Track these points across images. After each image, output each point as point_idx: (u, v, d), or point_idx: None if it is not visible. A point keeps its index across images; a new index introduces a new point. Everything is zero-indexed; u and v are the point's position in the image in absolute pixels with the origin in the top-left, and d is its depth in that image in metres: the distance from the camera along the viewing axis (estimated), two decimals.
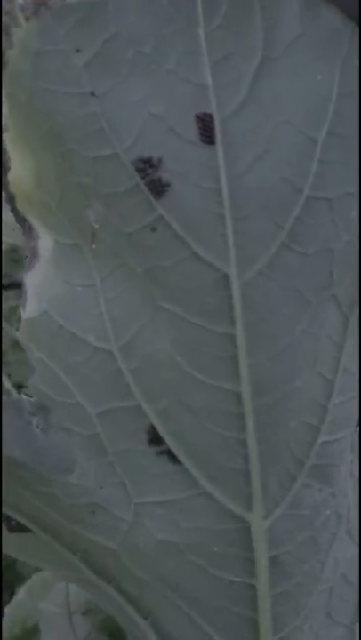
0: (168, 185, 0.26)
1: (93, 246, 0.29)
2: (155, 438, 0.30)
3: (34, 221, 0.30)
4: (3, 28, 0.28)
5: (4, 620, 0.59)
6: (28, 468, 0.30)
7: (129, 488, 0.31)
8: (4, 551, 0.37)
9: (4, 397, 0.30)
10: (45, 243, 0.30)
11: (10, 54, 0.26)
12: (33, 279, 0.31)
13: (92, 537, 0.31)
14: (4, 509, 0.35)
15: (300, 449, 0.30)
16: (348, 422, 0.31)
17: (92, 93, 0.26)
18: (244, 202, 0.26)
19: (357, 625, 0.36)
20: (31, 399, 0.33)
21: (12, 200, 0.30)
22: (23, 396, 0.33)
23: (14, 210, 0.30)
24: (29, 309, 0.31)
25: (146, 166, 0.26)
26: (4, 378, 0.82)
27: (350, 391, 0.31)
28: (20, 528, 0.36)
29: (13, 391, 0.78)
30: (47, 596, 0.56)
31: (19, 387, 0.84)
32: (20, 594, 0.61)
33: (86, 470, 0.31)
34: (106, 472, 0.31)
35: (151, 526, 0.31)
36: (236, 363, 0.28)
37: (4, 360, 0.82)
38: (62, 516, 0.31)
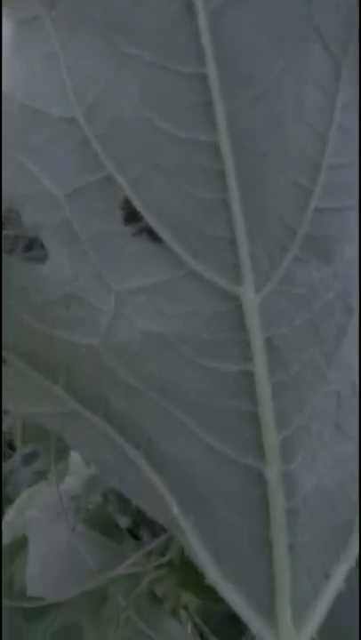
0: None
1: (53, 13, 0.28)
2: (130, 214, 0.29)
3: None
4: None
5: None
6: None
7: (106, 276, 0.30)
8: None
9: None
10: (6, 32, 0.30)
11: None
12: None
13: (70, 337, 0.31)
14: None
15: (290, 213, 0.29)
16: (351, 193, 0.30)
17: None
18: None
19: None
20: None
21: None
22: None
23: None
24: None
25: None
26: None
27: (350, 156, 0.30)
28: None
29: None
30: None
31: None
32: (9, 513, 0.60)
33: (59, 262, 0.30)
34: (80, 261, 0.30)
35: (134, 316, 0.30)
36: (212, 109, 0.27)
37: None
38: (36, 317, 0.30)
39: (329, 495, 0.34)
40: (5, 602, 0.45)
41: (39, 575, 0.50)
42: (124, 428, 0.35)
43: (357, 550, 0.36)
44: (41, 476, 0.68)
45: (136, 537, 0.52)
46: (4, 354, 0.35)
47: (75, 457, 0.60)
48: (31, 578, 0.50)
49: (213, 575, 0.36)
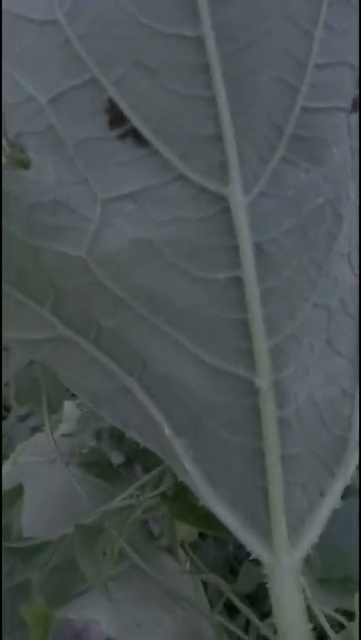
0: None
1: None
2: (115, 118, 0.29)
3: None
4: None
5: None
6: None
7: (93, 184, 0.30)
8: None
9: None
10: None
11: None
12: None
13: (56, 247, 0.30)
14: None
15: (276, 111, 0.29)
16: (339, 95, 0.30)
17: None
18: None
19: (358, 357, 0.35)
20: None
21: None
22: None
23: None
24: None
25: None
26: None
27: (338, 57, 0.29)
28: None
29: None
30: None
31: None
32: (5, 467, 0.60)
33: (43, 168, 0.29)
34: (66, 168, 0.30)
35: (122, 225, 0.30)
36: (195, 2, 0.27)
37: None
38: (23, 226, 0.30)
39: (320, 409, 0.34)
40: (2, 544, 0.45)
41: (36, 518, 0.50)
42: (115, 353, 0.35)
43: (353, 468, 0.36)
44: (35, 431, 0.68)
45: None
46: None
47: (67, 407, 0.60)
48: (28, 521, 0.50)
49: (207, 496, 0.36)
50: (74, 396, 0.72)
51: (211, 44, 0.28)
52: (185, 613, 0.43)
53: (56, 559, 0.43)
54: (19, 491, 0.54)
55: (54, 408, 0.69)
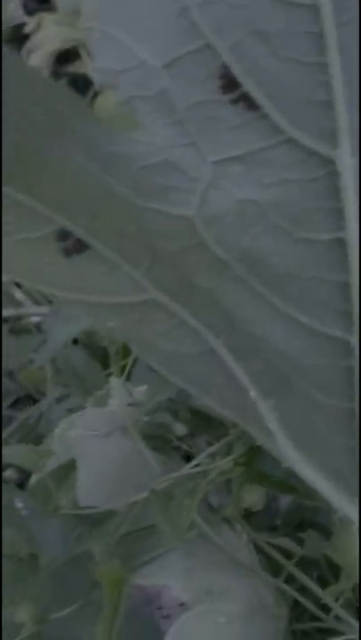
0: None
1: None
2: (228, 83, 0.30)
3: None
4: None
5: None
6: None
7: (202, 146, 0.31)
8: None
9: None
10: None
11: None
12: None
13: (164, 207, 0.31)
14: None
15: None
16: None
17: None
18: None
19: None
20: None
21: None
22: None
23: None
24: None
25: None
26: None
27: None
28: (79, 246, 0.36)
29: None
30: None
31: None
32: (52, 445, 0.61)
33: (153, 131, 0.31)
34: (176, 132, 0.31)
35: (230, 187, 0.31)
36: None
37: None
38: (132, 188, 0.31)
39: None
40: (65, 510, 0.46)
41: (92, 492, 0.51)
42: (205, 315, 0.36)
43: None
44: (73, 412, 0.69)
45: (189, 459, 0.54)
46: (88, 237, 0.35)
47: (114, 382, 0.61)
48: (84, 497, 0.51)
49: (293, 458, 0.37)
50: (107, 377, 0.73)
51: (327, 12, 0.29)
52: (249, 580, 0.45)
53: (124, 527, 0.44)
54: (70, 466, 0.55)
55: (89, 390, 0.70)
